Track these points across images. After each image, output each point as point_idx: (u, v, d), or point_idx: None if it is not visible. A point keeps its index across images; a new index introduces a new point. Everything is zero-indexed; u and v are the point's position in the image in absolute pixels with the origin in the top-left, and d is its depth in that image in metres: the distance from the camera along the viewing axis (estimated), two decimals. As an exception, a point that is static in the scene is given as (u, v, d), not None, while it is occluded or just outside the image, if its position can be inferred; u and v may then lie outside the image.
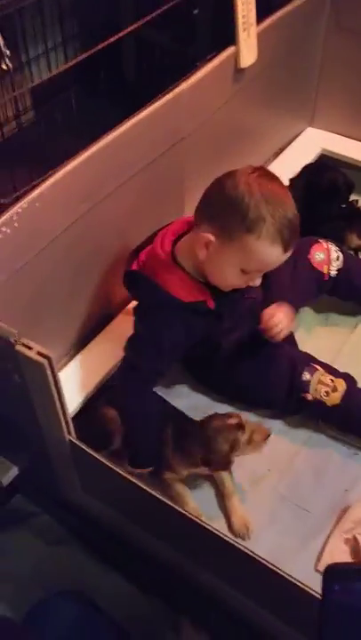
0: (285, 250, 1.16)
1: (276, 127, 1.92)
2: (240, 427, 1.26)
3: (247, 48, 1.48)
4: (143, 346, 1.29)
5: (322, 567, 1.22)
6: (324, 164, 1.88)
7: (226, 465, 1.29)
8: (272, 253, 1.15)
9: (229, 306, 1.29)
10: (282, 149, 1.98)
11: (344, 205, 1.80)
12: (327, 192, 1.73)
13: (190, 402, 1.47)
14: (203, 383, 1.49)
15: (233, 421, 1.27)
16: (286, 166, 1.89)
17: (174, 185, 1.50)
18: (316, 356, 1.45)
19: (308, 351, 1.48)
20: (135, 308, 1.37)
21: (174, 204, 1.54)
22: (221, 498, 1.33)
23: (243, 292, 1.29)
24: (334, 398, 1.34)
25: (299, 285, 1.47)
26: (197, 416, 1.35)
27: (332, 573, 0.64)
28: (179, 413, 1.36)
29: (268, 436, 1.30)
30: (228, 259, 1.17)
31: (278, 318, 1.32)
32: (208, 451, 1.25)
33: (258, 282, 1.24)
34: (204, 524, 1.07)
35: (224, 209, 1.14)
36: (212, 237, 1.16)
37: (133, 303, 1.47)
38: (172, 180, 1.48)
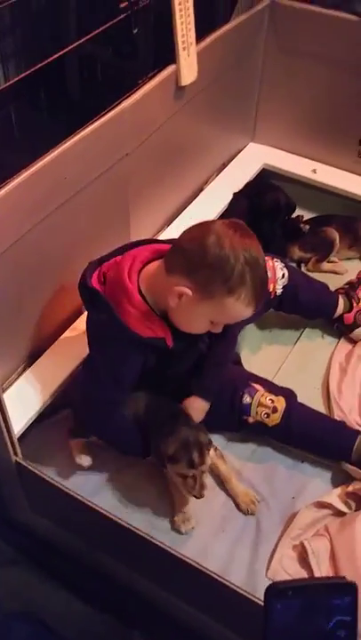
0: (256, 308, 1.20)
1: (220, 142, 1.95)
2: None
3: (187, 67, 1.51)
4: (102, 376, 1.26)
5: (271, 574, 1.25)
6: (268, 184, 1.93)
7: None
8: (245, 312, 1.20)
9: (186, 347, 1.31)
10: (225, 164, 2.02)
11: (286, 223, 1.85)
12: (270, 212, 1.77)
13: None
14: None
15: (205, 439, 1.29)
16: (230, 181, 1.93)
17: (119, 201, 1.51)
18: (260, 371, 1.48)
19: (253, 367, 1.52)
20: (90, 326, 1.34)
21: (120, 220, 1.55)
22: (221, 484, 1.38)
23: (201, 335, 1.32)
24: (274, 419, 1.37)
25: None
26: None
27: (274, 592, 0.65)
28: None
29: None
30: (202, 312, 1.20)
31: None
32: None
33: (220, 330, 1.27)
34: (151, 539, 1.08)
35: (207, 268, 1.14)
36: (188, 291, 1.17)
37: (81, 320, 1.48)
38: (117, 195, 1.49)
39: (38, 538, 1.28)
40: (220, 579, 1.06)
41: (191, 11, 1.45)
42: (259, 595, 1.20)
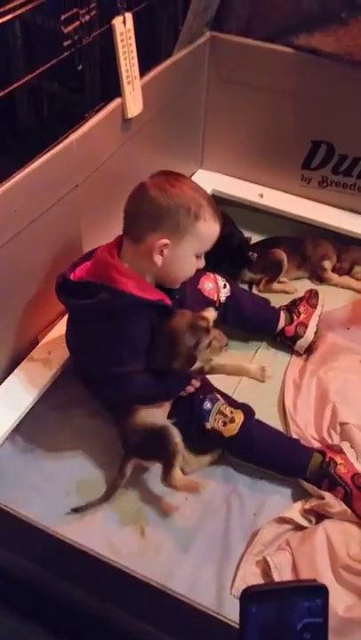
0: (219, 224, 1.35)
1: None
2: (207, 330, 1.36)
3: (132, 99, 1.56)
4: (123, 355, 1.31)
5: (235, 591, 1.26)
6: (226, 217, 1.98)
7: (188, 361, 1.34)
8: (215, 228, 1.34)
9: (180, 301, 1.43)
10: (175, 191, 2.06)
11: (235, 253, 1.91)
12: (222, 246, 1.82)
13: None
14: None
15: (203, 324, 1.36)
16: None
17: (71, 232, 1.54)
18: (217, 387, 1.51)
19: (211, 382, 1.55)
20: (86, 324, 1.36)
21: (71, 250, 1.57)
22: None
23: (182, 287, 1.44)
24: (231, 429, 1.40)
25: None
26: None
27: (249, 596, 0.68)
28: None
29: (227, 344, 1.42)
30: (185, 251, 1.32)
31: None
32: (175, 344, 1.32)
33: (203, 262, 1.38)
34: (114, 564, 1.08)
35: (166, 213, 1.27)
36: (166, 241, 1.28)
37: (58, 328, 1.51)
38: (69, 226, 1.52)
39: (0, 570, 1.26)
40: (185, 600, 1.07)
41: (134, 47, 1.50)
42: (225, 613, 1.23)
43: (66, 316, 1.50)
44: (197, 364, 1.38)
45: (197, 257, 1.36)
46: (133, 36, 1.49)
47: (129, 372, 1.32)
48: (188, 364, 1.34)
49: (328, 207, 2.03)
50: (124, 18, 1.45)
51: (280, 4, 1.74)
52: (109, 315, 1.30)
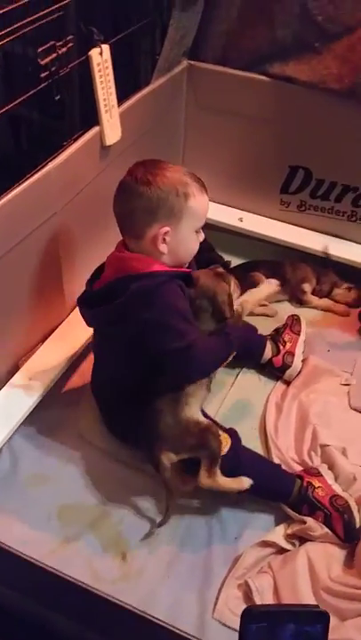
0: (207, 192, 1.41)
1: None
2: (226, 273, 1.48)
3: (110, 128, 1.59)
4: (180, 326, 1.32)
5: (217, 615, 1.26)
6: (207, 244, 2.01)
7: (231, 306, 1.45)
8: (205, 199, 1.41)
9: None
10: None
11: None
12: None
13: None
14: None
15: (220, 270, 1.48)
16: (161, 232, 2.00)
17: (51, 258, 1.55)
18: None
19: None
20: (141, 320, 1.34)
21: (52, 276, 1.59)
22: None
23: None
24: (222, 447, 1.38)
25: None
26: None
27: (250, 614, 0.68)
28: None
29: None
30: (186, 231, 1.38)
31: None
32: (215, 296, 1.42)
33: (202, 235, 1.44)
34: (95, 591, 1.08)
35: (158, 203, 1.32)
36: (167, 228, 1.34)
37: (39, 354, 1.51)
38: (48, 253, 1.53)
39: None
40: (167, 625, 1.07)
41: (111, 77, 1.54)
42: (207, 638, 1.23)
43: (45, 343, 1.51)
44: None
45: (197, 232, 1.42)
46: (110, 67, 1.52)
47: (193, 341, 1.33)
48: (232, 308, 1.44)
49: (307, 231, 2.06)
50: (101, 49, 1.48)
51: (255, 35, 1.78)
52: (148, 299, 1.32)
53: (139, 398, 1.41)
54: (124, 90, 1.70)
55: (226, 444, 1.40)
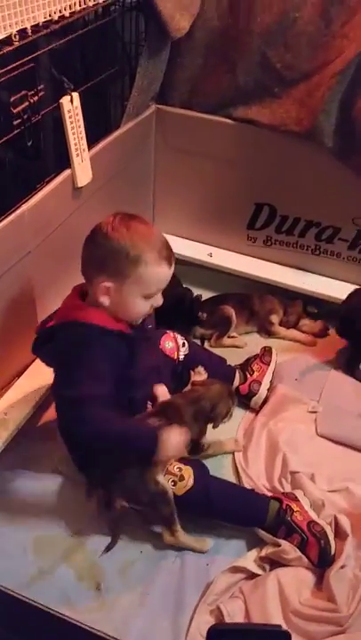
0: (170, 264, 1.38)
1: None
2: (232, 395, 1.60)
3: (82, 170, 1.66)
4: (80, 377, 1.32)
5: (190, 641, 1.28)
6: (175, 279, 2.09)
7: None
8: (162, 272, 1.37)
9: (140, 333, 1.48)
10: (128, 253, 2.16)
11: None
12: (174, 306, 1.92)
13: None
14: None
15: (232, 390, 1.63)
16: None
17: (25, 297, 1.60)
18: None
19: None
20: (58, 363, 1.43)
21: (27, 312, 1.63)
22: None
23: (143, 323, 1.50)
24: (182, 487, 1.41)
25: (158, 372, 1.60)
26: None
27: (215, 632, 0.72)
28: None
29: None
30: (130, 293, 1.36)
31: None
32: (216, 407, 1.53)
33: (160, 300, 1.43)
34: (70, 620, 1.10)
35: (107, 257, 1.34)
36: (109, 283, 1.34)
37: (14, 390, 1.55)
38: (21, 292, 1.58)
39: None
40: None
41: (81, 123, 1.61)
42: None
43: (20, 378, 1.55)
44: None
45: (148, 298, 1.39)
46: (80, 113, 1.60)
47: (87, 396, 1.30)
48: (217, 424, 1.54)
49: (273, 264, 2.14)
50: (71, 97, 1.56)
51: (219, 80, 1.88)
52: (74, 344, 1.36)
53: None
54: (97, 133, 1.79)
55: (188, 478, 1.42)
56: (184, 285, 2.10)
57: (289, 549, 1.39)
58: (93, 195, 1.78)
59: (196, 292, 2.12)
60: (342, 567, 1.37)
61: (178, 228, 2.23)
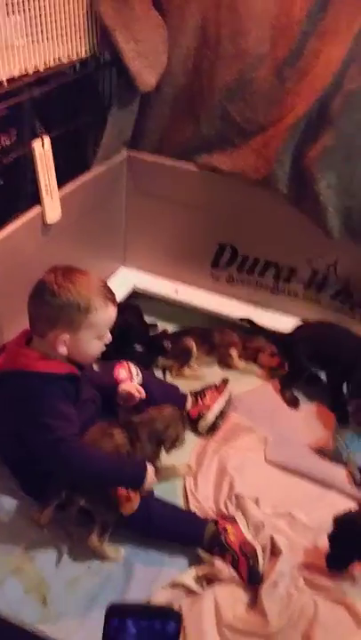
0: (115, 303, 1.51)
1: (92, 268, 2.17)
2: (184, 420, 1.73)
3: (51, 208, 1.79)
4: (51, 422, 1.42)
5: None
6: (127, 305, 2.21)
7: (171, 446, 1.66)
8: (110, 312, 1.50)
9: (85, 372, 1.58)
10: (98, 287, 2.28)
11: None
12: (120, 339, 2.03)
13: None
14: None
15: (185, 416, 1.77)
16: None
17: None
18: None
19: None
20: (15, 412, 1.47)
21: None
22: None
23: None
24: (129, 508, 1.49)
25: (95, 403, 1.68)
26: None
27: (112, 610, 0.81)
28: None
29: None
30: (86, 339, 1.48)
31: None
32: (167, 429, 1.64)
33: (109, 336, 1.54)
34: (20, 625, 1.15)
35: (60, 313, 1.44)
36: (66, 335, 1.45)
37: None
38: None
39: None
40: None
41: (52, 164, 1.75)
42: None
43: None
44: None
45: (101, 338, 1.51)
46: (51, 155, 1.73)
47: (64, 436, 1.41)
48: (171, 447, 1.65)
49: (235, 301, 2.27)
50: (43, 141, 1.70)
51: (184, 130, 2.03)
52: (26, 398, 1.45)
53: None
54: (74, 174, 1.93)
55: (135, 500, 1.49)
56: (151, 318, 2.22)
57: (222, 568, 1.47)
58: (63, 231, 1.90)
59: (161, 325, 2.25)
60: (274, 584, 1.44)
61: (147, 265, 2.37)
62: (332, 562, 1.49)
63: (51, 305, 1.44)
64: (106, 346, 1.55)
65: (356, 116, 1.73)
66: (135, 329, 2.08)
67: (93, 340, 1.50)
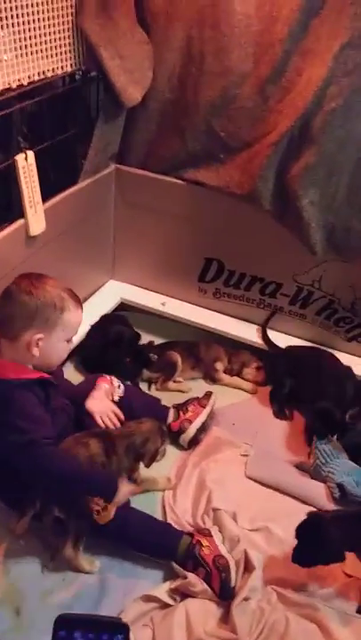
0: (82, 308, 1.59)
1: (80, 280, 2.22)
2: (163, 433, 1.70)
3: (35, 220, 1.81)
4: (24, 424, 1.43)
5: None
6: (115, 317, 2.22)
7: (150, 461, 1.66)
8: (79, 315, 1.58)
9: (53, 378, 1.59)
10: (86, 299, 2.30)
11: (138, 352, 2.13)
12: (114, 342, 2.05)
13: None
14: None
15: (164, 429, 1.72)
16: (90, 314, 2.18)
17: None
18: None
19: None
20: None
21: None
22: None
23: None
24: (105, 517, 1.49)
25: (67, 412, 1.69)
26: None
27: (60, 621, 0.81)
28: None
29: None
30: (58, 339, 1.54)
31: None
32: (146, 443, 1.64)
33: (72, 344, 1.61)
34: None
35: (36, 312, 1.49)
36: (40, 335, 1.49)
37: None
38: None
39: None
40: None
41: (35, 177, 1.76)
42: None
43: None
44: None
45: (69, 341, 1.59)
46: (35, 169, 1.75)
47: (36, 439, 1.42)
48: (151, 461, 1.65)
49: (221, 315, 2.28)
50: (26, 154, 1.72)
51: (170, 145, 2.05)
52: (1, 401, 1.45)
53: None
54: (61, 186, 1.95)
55: (111, 510, 1.49)
56: (138, 330, 2.23)
57: (195, 582, 1.47)
58: (48, 243, 1.92)
59: (148, 337, 2.25)
60: (246, 599, 1.44)
61: (135, 278, 2.39)
62: (298, 557, 1.47)
63: (27, 305, 1.48)
64: (99, 353, 1.58)
65: (337, 134, 1.75)
66: (128, 337, 2.09)
67: (63, 342, 1.56)
